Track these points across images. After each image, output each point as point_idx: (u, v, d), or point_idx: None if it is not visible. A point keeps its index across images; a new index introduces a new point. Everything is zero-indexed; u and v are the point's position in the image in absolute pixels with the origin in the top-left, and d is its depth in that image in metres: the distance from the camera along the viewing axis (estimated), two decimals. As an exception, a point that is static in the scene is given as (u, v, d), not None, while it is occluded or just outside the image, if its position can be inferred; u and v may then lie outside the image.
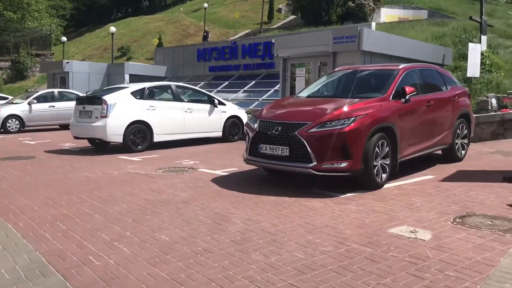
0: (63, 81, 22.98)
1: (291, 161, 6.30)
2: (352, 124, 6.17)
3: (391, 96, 6.91)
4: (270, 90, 18.02)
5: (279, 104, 7.48)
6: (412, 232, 4.52)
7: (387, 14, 38.32)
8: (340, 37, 11.87)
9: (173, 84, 11.91)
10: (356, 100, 6.73)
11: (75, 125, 11.05)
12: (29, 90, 23.75)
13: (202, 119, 11.92)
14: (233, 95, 18.99)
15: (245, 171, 8.06)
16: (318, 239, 4.39)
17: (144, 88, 11.16)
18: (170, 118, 11.22)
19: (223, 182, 7.13)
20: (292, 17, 45.18)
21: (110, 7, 71.14)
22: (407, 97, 6.86)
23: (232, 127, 12.70)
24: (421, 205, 5.53)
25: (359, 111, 6.37)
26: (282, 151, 6.35)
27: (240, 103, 16.47)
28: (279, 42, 13.55)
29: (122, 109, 10.50)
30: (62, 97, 16.84)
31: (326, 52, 12.34)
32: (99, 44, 46.30)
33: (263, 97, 17.63)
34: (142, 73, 22.63)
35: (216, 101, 12.23)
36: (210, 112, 12.10)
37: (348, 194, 6.17)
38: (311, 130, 6.18)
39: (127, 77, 22.22)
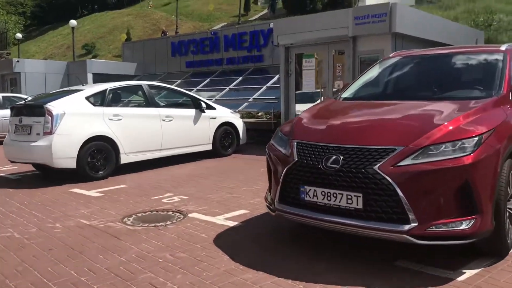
0: (15, 83, 19.58)
1: (368, 219, 3.47)
2: (477, 149, 3.39)
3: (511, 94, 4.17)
4: (262, 87, 15.13)
5: (325, 111, 4.63)
6: None
7: (372, 3, 35.88)
8: (364, 17, 9.10)
9: (145, 83, 8.90)
10: (460, 103, 3.96)
11: (9, 145, 7.94)
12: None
13: (186, 129, 8.99)
14: (216, 95, 16.04)
15: (261, 215, 5.22)
16: None
17: (105, 90, 8.15)
18: (142, 130, 8.26)
19: (236, 247, 4.25)
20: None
21: (75, 4, 67.00)
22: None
23: (225, 137, 9.81)
24: None
25: (480, 124, 3.60)
26: (349, 201, 3.52)
27: (226, 105, 13.59)
28: (280, 26, 10.67)
29: (74, 121, 7.50)
30: (5, 104, 13.47)
31: (344, 37, 9.55)
32: (62, 42, 42.62)
33: (254, 96, 14.72)
34: (108, 72, 19.42)
35: (203, 105, 9.32)
36: (195, 120, 9.18)
37: (469, 273, 3.42)
38: (405, 163, 3.37)
39: (89, 76, 18.99)
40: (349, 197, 3.51)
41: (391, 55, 5.59)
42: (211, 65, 18.39)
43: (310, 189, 3.72)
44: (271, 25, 13.67)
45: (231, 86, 16.36)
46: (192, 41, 19.03)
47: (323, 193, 3.64)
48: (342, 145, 3.63)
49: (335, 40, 9.85)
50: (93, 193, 6.72)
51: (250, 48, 17.05)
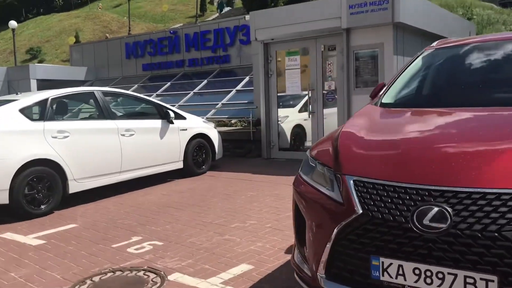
0: None
1: (510, 322, 1.97)
2: None
3: None
4: (231, 91, 13.58)
5: (382, 126, 3.13)
6: None
7: None
8: (360, 4, 7.69)
9: (97, 90, 7.12)
10: None
11: None
12: None
13: (151, 145, 7.31)
14: (179, 100, 14.36)
15: (274, 274, 3.66)
16: None
17: (47, 100, 6.35)
18: (96, 149, 6.53)
19: None
20: (228, 8, 40.79)
21: (18, 6, 63.10)
22: None
23: (198, 152, 8.18)
24: None
25: None
26: (471, 289, 2.02)
27: (191, 112, 11.97)
28: (258, 19, 9.11)
29: (4, 142, 5.69)
30: None
31: (336, 29, 8.13)
32: (4, 47, 39.46)
33: (223, 101, 13.16)
34: (55, 77, 17.30)
35: (171, 114, 7.65)
36: (162, 133, 7.51)
37: None
38: None
39: (33, 83, 16.82)
40: (469, 280, 2.02)
41: (434, 45, 4.15)
42: (171, 68, 16.66)
43: (390, 264, 2.20)
44: (247, 18, 12.14)
45: (195, 91, 14.72)
46: (148, 41, 17.22)
47: (418, 272, 2.13)
48: (448, 188, 2.13)
49: (325, 33, 8.42)
50: (31, 239, 4.97)
51: (215, 48, 15.45)
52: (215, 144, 8.45)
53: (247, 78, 13.80)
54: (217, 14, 39.82)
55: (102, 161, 6.59)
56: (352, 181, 2.41)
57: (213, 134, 8.48)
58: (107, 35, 34.51)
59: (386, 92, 3.79)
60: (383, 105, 3.54)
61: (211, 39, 15.50)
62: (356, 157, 2.61)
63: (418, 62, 4.04)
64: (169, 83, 16.01)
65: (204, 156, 8.27)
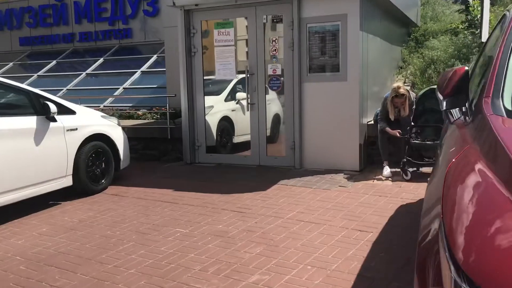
0: None
1: None
2: None
3: None
4: (135, 72, 11.02)
5: None
6: None
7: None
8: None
9: None
10: None
11: None
12: None
13: (21, 155, 4.75)
14: (67, 84, 11.48)
15: None
16: None
17: None
18: None
19: None
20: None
21: None
22: None
23: (94, 160, 5.72)
24: None
25: None
26: None
27: (83, 100, 9.36)
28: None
29: None
30: None
31: (284, -7, 6.05)
32: None
33: (125, 85, 10.57)
34: None
35: (53, 108, 5.09)
36: (38, 136, 4.95)
37: None
38: None
39: None
40: None
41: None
42: (57, 43, 13.54)
43: None
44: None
45: (88, 71, 11.92)
46: (27, 9, 13.85)
47: None
48: None
49: (267, 0, 6.32)
50: None
51: (113, 20, 12.65)
52: (119, 148, 6.04)
53: (154, 57, 11.36)
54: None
55: None
56: None
57: (117, 134, 6.07)
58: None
59: (502, 87, 1.83)
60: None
61: (108, 9, 12.67)
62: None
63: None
64: (54, 62, 12.95)
65: (104, 166, 5.84)
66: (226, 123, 7.96)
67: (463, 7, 10.94)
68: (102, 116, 6.05)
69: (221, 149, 7.73)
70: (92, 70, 11.96)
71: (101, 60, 12.23)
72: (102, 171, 5.83)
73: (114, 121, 6.21)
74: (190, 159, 7.08)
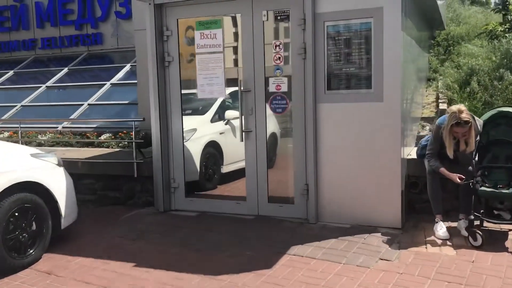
0: None
1: None
2: None
3: None
4: (104, 85, 9.23)
5: None
6: None
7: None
8: None
9: None
10: None
11: None
12: None
13: None
14: (22, 99, 9.63)
15: None
16: None
17: None
18: None
19: None
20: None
21: None
22: None
23: (18, 222, 3.86)
24: None
25: None
26: None
27: (36, 123, 7.53)
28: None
29: None
30: None
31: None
32: None
33: (90, 101, 8.74)
34: None
35: None
36: None
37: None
38: None
39: None
40: None
41: None
42: (16, 50, 11.75)
43: None
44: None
45: (49, 84, 10.07)
46: (-19, 11, 11.94)
47: None
48: None
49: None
50: None
51: (80, 23, 10.83)
52: (59, 199, 4.19)
53: (127, 67, 9.63)
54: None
55: None
56: None
57: (56, 180, 4.22)
58: None
59: None
60: None
61: (75, 11, 10.85)
62: None
63: None
64: (11, 72, 11.11)
65: (35, 228, 3.99)
66: (212, 150, 6.14)
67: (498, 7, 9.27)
68: (33, 155, 4.19)
69: (206, 183, 5.93)
70: (54, 83, 10.12)
71: (65, 70, 10.41)
72: (32, 237, 3.98)
73: (52, 160, 4.35)
74: (164, 205, 5.23)
